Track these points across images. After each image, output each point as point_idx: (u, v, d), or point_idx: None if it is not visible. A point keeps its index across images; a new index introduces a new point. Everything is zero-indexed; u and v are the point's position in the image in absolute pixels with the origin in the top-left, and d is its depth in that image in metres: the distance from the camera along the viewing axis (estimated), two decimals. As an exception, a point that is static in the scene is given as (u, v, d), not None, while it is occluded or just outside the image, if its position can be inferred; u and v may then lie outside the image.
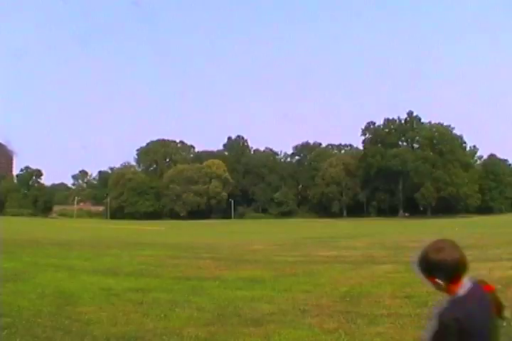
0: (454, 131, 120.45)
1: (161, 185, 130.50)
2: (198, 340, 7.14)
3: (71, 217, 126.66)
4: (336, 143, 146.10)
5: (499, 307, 2.81)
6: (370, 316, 8.34)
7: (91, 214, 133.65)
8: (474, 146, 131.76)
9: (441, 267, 2.55)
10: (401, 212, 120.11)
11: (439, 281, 2.58)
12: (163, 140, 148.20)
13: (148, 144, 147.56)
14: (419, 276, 2.68)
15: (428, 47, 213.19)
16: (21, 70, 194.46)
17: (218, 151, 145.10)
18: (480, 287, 2.68)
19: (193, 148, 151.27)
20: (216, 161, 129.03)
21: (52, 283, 12.74)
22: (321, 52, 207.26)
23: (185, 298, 10.42)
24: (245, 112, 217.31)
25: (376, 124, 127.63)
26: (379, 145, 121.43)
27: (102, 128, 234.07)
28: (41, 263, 17.61)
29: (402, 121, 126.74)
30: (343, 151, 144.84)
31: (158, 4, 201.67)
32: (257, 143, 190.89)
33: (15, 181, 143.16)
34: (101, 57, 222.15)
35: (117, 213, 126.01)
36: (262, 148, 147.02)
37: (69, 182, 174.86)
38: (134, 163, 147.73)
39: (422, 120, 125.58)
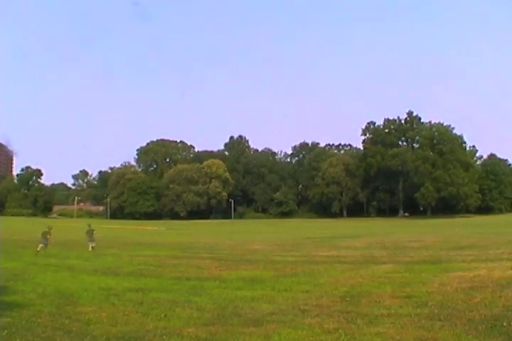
0: (454, 131, 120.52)
1: (161, 185, 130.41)
2: (198, 340, 7.14)
3: (71, 217, 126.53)
4: (336, 143, 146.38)
5: None
6: (370, 316, 8.34)
7: (91, 214, 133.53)
8: (474, 146, 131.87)
9: None
10: (401, 212, 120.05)
11: None
12: (163, 140, 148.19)
13: (148, 144, 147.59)
14: None
15: (428, 47, 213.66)
16: (21, 70, 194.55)
17: (218, 151, 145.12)
18: None
19: (193, 148, 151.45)
20: (216, 161, 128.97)
21: (52, 283, 12.75)
22: (321, 53, 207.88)
23: (185, 298, 10.42)
24: (245, 112, 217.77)
25: (376, 124, 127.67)
26: (379, 145, 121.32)
27: (102, 128, 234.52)
28: (41, 263, 17.64)
29: (402, 121, 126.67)
30: (342, 151, 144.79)
31: (158, 4, 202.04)
32: (256, 143, 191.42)
33: (15, 181, 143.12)
34: (101, 57, 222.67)
35: (117, 213, 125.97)
36: (261, 148, 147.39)
37: (69, 182, 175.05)
38: (134, 163, 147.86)
39: (422, 120, 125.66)
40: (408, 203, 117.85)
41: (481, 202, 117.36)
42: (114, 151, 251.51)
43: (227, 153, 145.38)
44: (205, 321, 8.26)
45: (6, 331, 7.46)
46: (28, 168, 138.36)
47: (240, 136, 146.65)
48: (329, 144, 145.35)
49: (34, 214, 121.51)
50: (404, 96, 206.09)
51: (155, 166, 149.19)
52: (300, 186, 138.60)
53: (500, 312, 8.30)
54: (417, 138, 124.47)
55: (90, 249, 23.53)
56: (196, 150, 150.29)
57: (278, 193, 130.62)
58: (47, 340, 7.18)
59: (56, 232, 25.18)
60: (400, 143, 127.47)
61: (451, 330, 7.26)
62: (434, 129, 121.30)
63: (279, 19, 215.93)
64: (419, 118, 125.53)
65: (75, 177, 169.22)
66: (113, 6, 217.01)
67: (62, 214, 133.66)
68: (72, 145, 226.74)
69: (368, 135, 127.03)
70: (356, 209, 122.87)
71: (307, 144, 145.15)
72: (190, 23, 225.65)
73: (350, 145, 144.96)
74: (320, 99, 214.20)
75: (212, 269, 15.73)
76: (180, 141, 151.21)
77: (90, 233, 24.62)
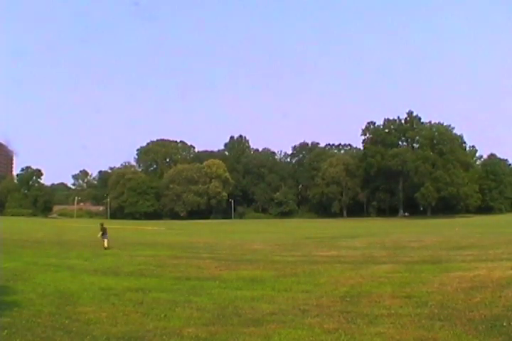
0: (454, 131, 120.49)
1: (161, 185, 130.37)
2: (198, 340, 7.14)
3: (71, 217, 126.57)
4: (336, 143, 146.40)
5: None
6: (370, 316, 8.35)
7: (91, 214, 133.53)
8: (474, 146, 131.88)
9: None
10: (401, 212, 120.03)
11: None
12: (163, 140, 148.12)
13: (148, 144, 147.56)
14: None
15: (428, 47, 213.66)
16: (21, 70, 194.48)
17: (218, 151, 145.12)
18: None
19: (193, 148, 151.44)
20: (216, 161, 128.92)
21: (52, 283, 12.74)
22: (321, 52, 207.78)
23: (185, 298, 10.43)
24: (245, 112, 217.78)
25: (376, 124, 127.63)
26: (379, 145, 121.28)
27: (102, 128, 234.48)
28: (41, 263, 17.61)
29: (402, 121, 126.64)
30: (342, 151, 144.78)
31: (158, 4, 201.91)
32: (256, 143, 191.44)
33: (15, 181, 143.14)
34: (101, 57, 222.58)
35: (117, 213, 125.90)
36: (261, 148, 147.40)
37: (69, 182, 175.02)
38: (134, 163, 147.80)
39: (422, 120, 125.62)
40: (408, 203, 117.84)
41: (481, 202, 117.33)
42: (114, 151, 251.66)
43: (227, 153, 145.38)
44: (205, 321, 8.26)
45: (6, 331, 7.47)
46: (28, 168, 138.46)
47: (240, 136, 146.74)
48: (329, 144, 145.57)
49: (34, 214, 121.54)
50: (404, 96, 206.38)
51: (155, 166, 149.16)
52: (300, 186, 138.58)
53: (500, 312, 8.31)
54: (417, 138, 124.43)
55: (106, 245, 25.12)
56: (196, 150, 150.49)
57: (278, 193, 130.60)
58: (47, 340, 7.19)
59: (56, 232, 25.20)
60: (400, 143, 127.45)
61: (451, 330, 7.27)
62: (434, 129, 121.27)
63: (279, 19, 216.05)
64: (419, 118, 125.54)
65: (75, 177, 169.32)
66: (113, 6, 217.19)
67: (62, 214, 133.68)
68: (72, 145, 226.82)
69: (367, 135, 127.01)
70: (356, 209, 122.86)
71: (307, 144, 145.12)
72: (191, 22, 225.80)
73: (350, 145, 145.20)
74: (320, 99, 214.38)
75: (212, 269, 15.73)
76: (180, 141, 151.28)
77: (104, 231, 26.72)
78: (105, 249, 24.62)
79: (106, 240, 25.86)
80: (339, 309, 9.05)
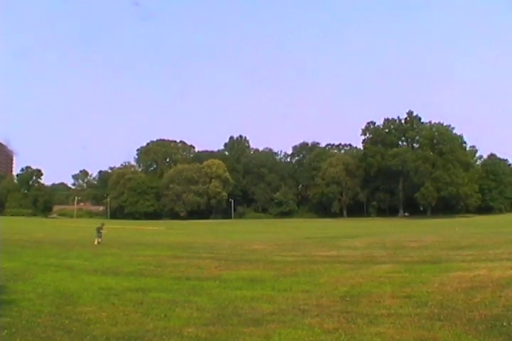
0: (454, 131, 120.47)
1: (161, 185, 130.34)
2: (198, 340, 7.14)
3: (71, 216, 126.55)
4: (336, 143, 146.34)
5: None
6: (370, 316, 8.34)
7: (91, 214, 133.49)
8: (474, 146, 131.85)
9: None
10: (401, 211, 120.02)
11: None
12: (163, 140, 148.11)
13: (148, 144, 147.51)
14: None
15: (428, 47, 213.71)
16: (21, 70, 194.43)
17: (218, 151, 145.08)
18: None
19: (193, 148, 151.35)
20: (216, 161, 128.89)
21: (52, 283, 12.74)
22: (321, 53, 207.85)
23: (185, 298, 10.43)
24: (245, 112, 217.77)
25: (376, 124, 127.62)
26: (379, 145, 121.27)
27: (102, 128, 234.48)
28: (41, 263, 17.61)
29: (402, 121, 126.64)
30: (342, 151, 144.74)
31: (158, 4, 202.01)
32: (256, 143, 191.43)
33: (15, 181, 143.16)
34: (101, 57, 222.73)
35: (117, 213, 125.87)
36: (261, 148, 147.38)
37: (69, 182, 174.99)
38: (134, 163, 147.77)
39: (422, 120, 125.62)
40: (408, 203, 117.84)
41: (481, 202, 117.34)
42: (114, 151, 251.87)
43: (227, 153, 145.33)
44: (205, 321, 8.26)
45: (6, 331, 7.47)
46: (28, 168, 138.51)
47: (240, 136, 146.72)
48: (329, 144, 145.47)
49: (34, 214, 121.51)
50: (404, 96, 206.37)
51: (155, 166, 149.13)
52: (300, 186, 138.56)
53: (500, 312, 8.31)
54: (417, 138, 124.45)
55: (96, 243, 27.31)
56: (196, 150, 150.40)
57: (278, 193, 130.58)
58: (47, 340, 7.18)
59: (56, 232, 25.20)
60: (400, 143, 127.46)
61: (451, 330, 7.27)
62: (434, 129, 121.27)
63: (279, 19, 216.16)
64: (419, 118, 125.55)
65: (75, 177, 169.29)
66: (113, 6, 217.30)
67: (62, 214, 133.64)
68: (72, 145, 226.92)
69: (367, 135, 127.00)
70: (356, 209, 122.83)
71: (307, 144, 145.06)
72: (190, 22, 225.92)
73: (350, 145, 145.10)
74: (320, 99, 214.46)
75: (212, 269, 15.73)
76: (180, 141, 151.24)
77: (98, 229, 28.78)
78: (96, 243, 27.00)
79: (98, 239, 27.96)
80: (339, 309, 9.05)
